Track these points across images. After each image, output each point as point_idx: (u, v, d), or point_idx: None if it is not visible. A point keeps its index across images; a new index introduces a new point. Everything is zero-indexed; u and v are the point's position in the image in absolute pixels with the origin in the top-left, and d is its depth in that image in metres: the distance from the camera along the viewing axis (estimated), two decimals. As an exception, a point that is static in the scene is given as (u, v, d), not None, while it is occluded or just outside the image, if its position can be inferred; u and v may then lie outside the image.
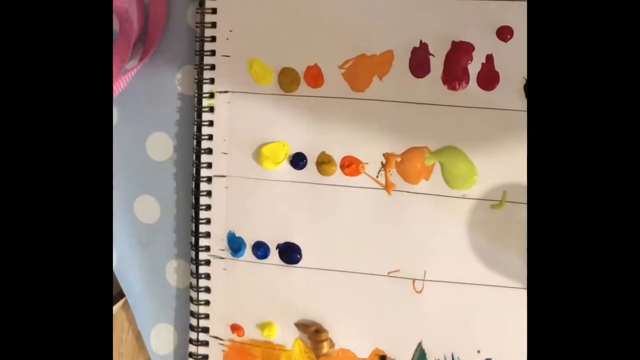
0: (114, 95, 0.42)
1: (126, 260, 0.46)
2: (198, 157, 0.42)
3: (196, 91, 0.42)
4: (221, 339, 0.43)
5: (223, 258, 0.43)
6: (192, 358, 0.44)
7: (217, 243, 0.43)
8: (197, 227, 0.43)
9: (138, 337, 0.46)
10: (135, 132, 0.45)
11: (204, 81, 0.42)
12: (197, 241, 0.43)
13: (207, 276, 0.43)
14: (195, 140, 0.42)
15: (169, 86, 0.44)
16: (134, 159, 0.45)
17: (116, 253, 0.46)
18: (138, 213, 0.45)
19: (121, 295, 0.46)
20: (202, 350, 0.44)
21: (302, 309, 0.42)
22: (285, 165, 0.41)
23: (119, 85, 0.42)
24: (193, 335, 0.44)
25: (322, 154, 0.41)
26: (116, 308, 0.46)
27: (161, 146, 0.44)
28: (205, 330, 0.44)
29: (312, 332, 0.41)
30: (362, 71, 0.40)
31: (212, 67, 0.42)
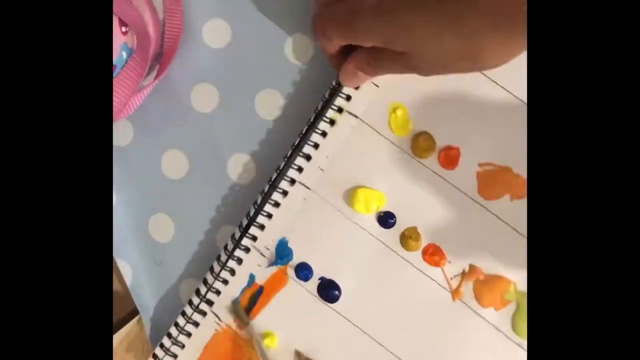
0: (130, 112, 0.41)
1: (140, 279, 0.45)
2: (292, 156, 0.40)
3: (326, 96, 0.39)
4: (220, 320, 0.43)
5: (264, 256, 0.41)
6: (184, 317, 0.43)
7: (267, 241, 0.41)
8: (262, 205, 0.41)
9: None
10: (151, 150, 0.44)
11: (340, 94, 0.39)
12: (255, 215, 0.41)
13: (239, 261, 0.42)
14: (298, 139, 0.40)
15: (185, 103, 0.43)
16: (149, 177, 0.44)
17: (131, 271, 0.45)
18: (152, 232, 0.44)
19: (135, 312, 0.45)
20: (196, 317, 0.43)
21: (312, 343, 0.41)
22: (372, 216, 0.40)
23: (135, 102, 0.41)
24: (195, 300, 0.43)
25: (413, 228, 0.39)
26: (130, 325, 0.45)
27: (176, 164, 0.43)
28: (210, 302, 0.43)
29: (311, 371, 0.41)
30: (498, 182, 0.38)
31: (356, 87, 0.39)
